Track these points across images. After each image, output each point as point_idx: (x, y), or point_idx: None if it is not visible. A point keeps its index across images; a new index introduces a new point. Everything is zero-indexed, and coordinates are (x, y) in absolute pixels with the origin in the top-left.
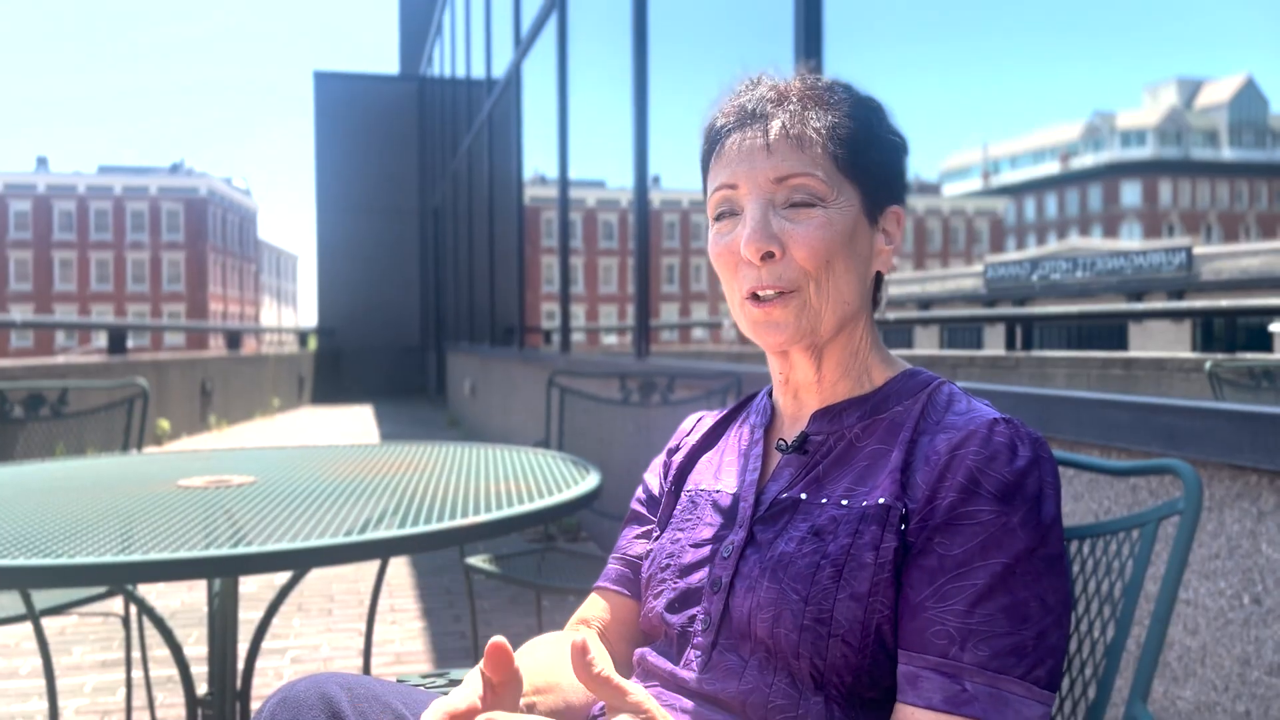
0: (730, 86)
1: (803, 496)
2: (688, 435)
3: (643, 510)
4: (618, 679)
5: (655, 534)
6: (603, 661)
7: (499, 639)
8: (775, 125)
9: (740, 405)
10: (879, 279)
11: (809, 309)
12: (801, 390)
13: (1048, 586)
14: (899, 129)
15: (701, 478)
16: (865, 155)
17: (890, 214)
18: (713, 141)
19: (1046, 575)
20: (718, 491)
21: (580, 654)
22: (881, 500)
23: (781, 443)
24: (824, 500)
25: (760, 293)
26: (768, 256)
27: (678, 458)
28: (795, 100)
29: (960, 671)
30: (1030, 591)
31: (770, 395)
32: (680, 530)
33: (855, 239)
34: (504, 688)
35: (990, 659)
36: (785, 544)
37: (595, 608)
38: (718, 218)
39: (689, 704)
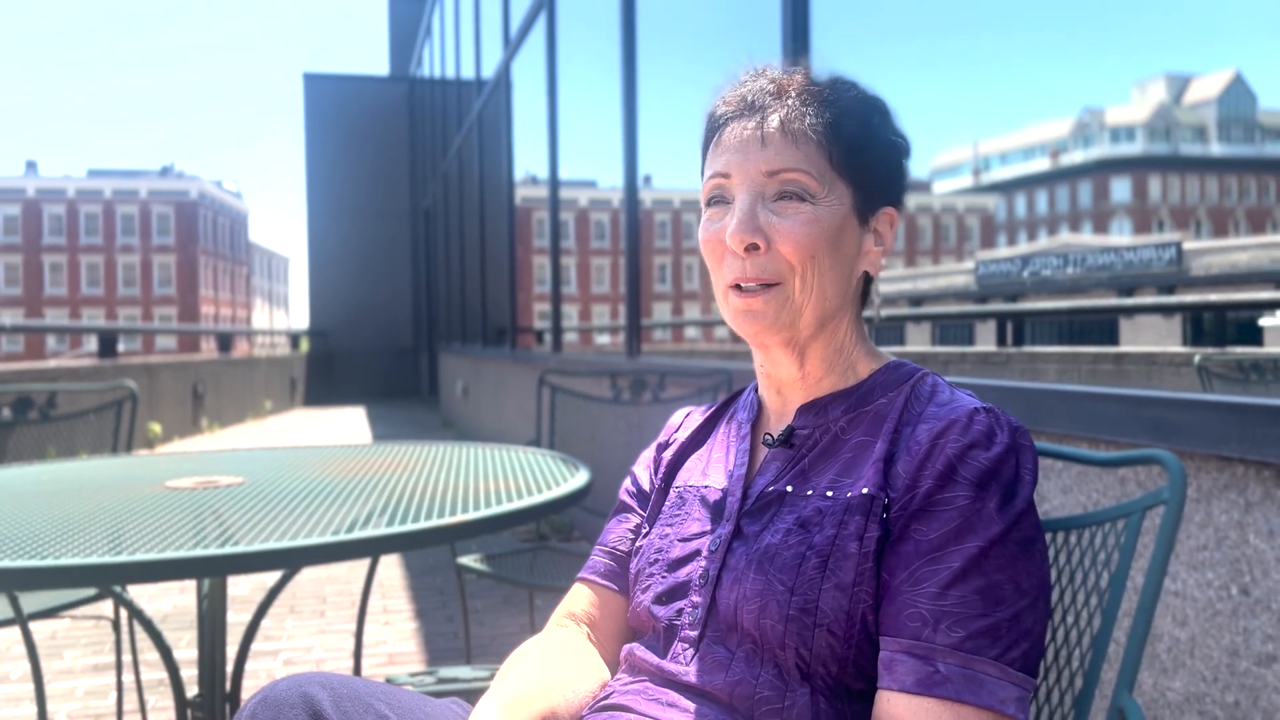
0: (735, 75)
1: (789, 489)
2: (677, 431)
3: (631, 502)
4: None
5: (644, 530)
6: None
7: None
8: (772, 119)
9: (728, 401)
10: (868, 279)
11: (790, 304)
12: (785, 386)
13: (1022, 570)
14: (901, 130)
15: (690, 475)
16: (861, 155)
17: (883, 215)
18: (712, 128)
19: (1021, 559)
20: (706, 487)
21: None
22: (865, 490)
23: (768, 437)
24: (809, 492)
25: (743, 284)
26: (752, 248)
27: (668, 454)
28: (795, 95)
29: (933, 653)
30: (1004, 575)
31: (757, 391)
32: (669, 526)
33: (842, 238)
34: None
35: (963, 640)
36: (771, 536)
37: (582, 601)
38: (709, 203)
39: (677, 697)
